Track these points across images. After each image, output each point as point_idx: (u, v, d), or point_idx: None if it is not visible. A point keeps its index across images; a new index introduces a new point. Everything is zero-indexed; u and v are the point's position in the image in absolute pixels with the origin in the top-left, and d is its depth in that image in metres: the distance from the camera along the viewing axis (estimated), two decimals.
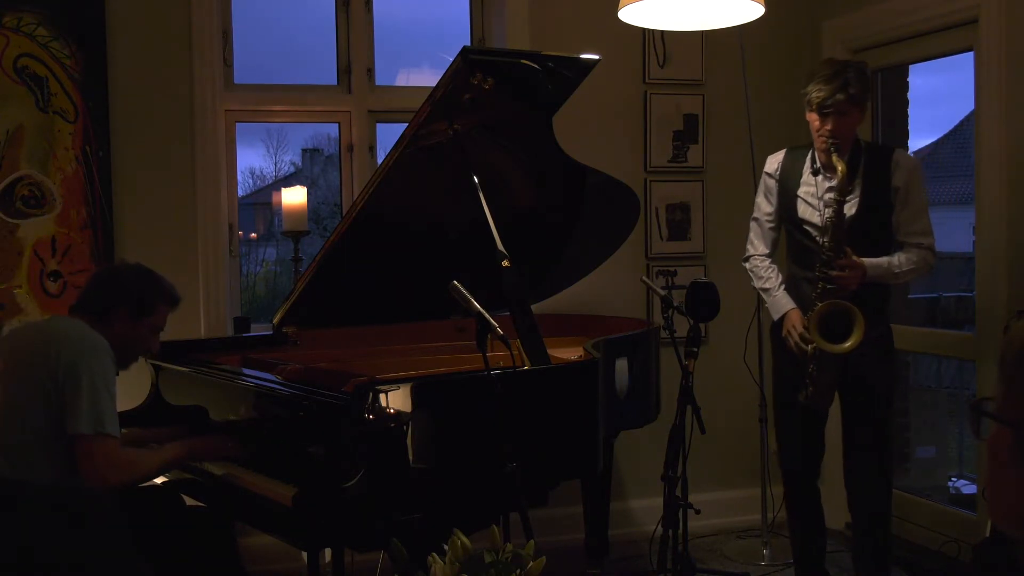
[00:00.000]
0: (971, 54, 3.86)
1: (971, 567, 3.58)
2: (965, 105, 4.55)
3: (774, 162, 3.54)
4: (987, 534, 3.49)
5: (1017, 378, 1.14)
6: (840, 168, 3.19)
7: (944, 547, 3.94)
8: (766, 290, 3.52)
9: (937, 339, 4.31)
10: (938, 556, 3.93)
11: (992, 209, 3.70)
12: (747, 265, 3.61)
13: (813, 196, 3.38)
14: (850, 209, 3.31)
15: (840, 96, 3.20)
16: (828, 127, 3.24)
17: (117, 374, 2.84)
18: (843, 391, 3.45)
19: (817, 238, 3.34)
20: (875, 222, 3.34)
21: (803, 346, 3.30)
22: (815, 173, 3.39)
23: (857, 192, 3.31)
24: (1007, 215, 3.65)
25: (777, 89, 4.62)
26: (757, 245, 3.58)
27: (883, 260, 3.31)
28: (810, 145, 3.43)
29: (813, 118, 3.29)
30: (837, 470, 4.12)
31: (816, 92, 3.25)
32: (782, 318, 3.43)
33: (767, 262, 3.55)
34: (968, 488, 4.42)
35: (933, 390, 4.99)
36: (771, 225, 3.56)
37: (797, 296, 3.42)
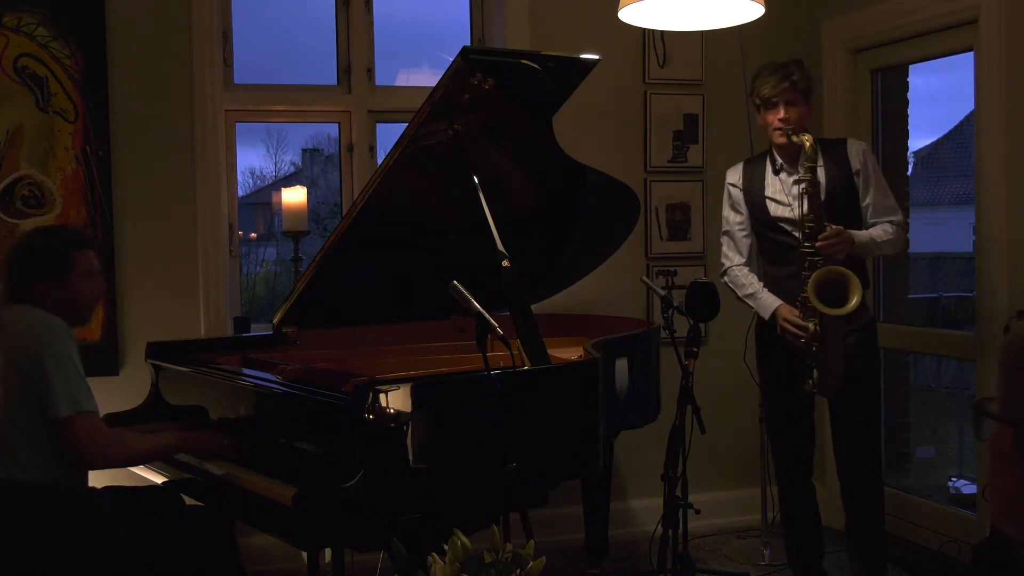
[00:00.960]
0: (971, 54, 3.86)
1: (971, 567, 3.58)
2: (965, 105, 4.55)
3: (735, 174, 3.61)
4: (987, 534, 3.49)
5: (1017, 379, 1.14)
6: (808, 140, 3.26)
7: (944, 547, 3.94)
8: (751, 295, 3.54)
9: (937, 339, 4.31)
10: (938, 556, 3.93)
11: (992, 209, 3.70)
12: (726, 279, 3.63)
13: (781, 193, 3.45)
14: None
15: (785, 84, 3.34)
16: (780, 115, 3.36)
17: (80, 327, 2.89)
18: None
19: (793, 232, 3.40)
20: (842, 208, 3.39)
21: (802, 333, 3.31)
22: (777, 172, 3.48)
23: (822, 182, 3.36)
24: (1007, 215, 3.65)
25: None
26: (732, 256, 3.61)
27: (862, 232, 3.38)
28: (765, 152, 3.54)
29: (766, 115, 3.42)
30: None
31: (762, 87, 3.39)
32: (772, 317, 3.44)
33: (745, 270, 3.59)
34: (968, 488, 4.42)
35: (933, 390, 4.99)
36: (744, 233, 3.60)
37: (780, 294, 3.45)
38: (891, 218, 3.44)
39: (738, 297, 3.60)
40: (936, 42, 4.07)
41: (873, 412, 3.56)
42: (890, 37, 4.19)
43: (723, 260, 3.64)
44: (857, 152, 3.45)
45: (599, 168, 3.49)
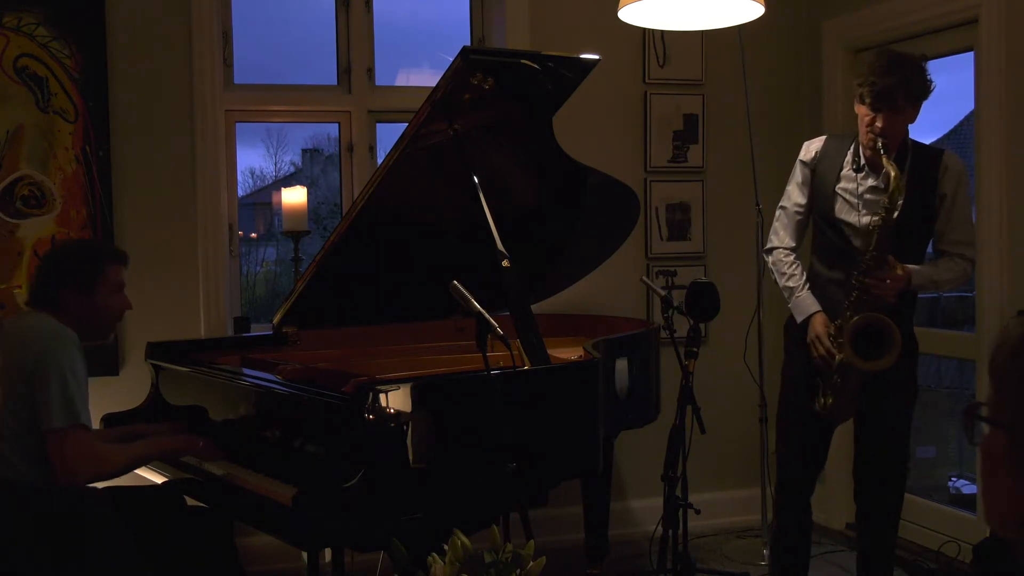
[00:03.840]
0: (971, 54, 3.86)
1: (971, 567, 3.58)
2: (965, 105, 4.54)
3: (811, 149, 3.28)
4: (987, 534, 3.49)
5: (1007, 379, 1.13)
6: (893, 173, 2.94)
7: (944, 547, 3.94)
8: (790, 288, 3.26)
9: (937, 339, 4.30)
10: (938, 556, 3.93)
11: (992, 209, 3.70)
12: (769, 258, 3.38)
13: (852, 194, 3.15)
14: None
15: (898, 92, 2.97)
16: (879, 124, 3.00)
17: (99, 343, 2.91)
18: (862, 395, 3.20)
19: (852, 240, 3.15)
20: (916, 229, 3.13)
21: (826, 355, 3.11)
22: (857, 169, 3.15)
23: (902, 197, 3.04)
24: (1007, 215, 3.65)
25: (777, 89, 4.62)
26: (783, 237, 3.33)
27: (926, 269, 3.11)
28: (853, 135, 3.20)
29: (863, 111, 3.06)
30: (837, 469, 4.12)
31: (870, 84, 2.99)
32: (805, 320, 3.20)
33: (791, 257, 3.30)
34: (968, 488, 4.42)
35: (933, 390, 4.98)
36: (800, 218, 3.31)
37: (821, 298, 3.20)
38: (961, 251, 3.13)
39: (775, 280, 3.34)
40: (936, 42, 4.07)
41: (904, 455, 3.28)
42: (890, 37, 4.19)
43: (772, 236, 3.36)
44: (951, 177, 3.09)
45: (599, 168, 3.49)
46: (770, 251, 3.37)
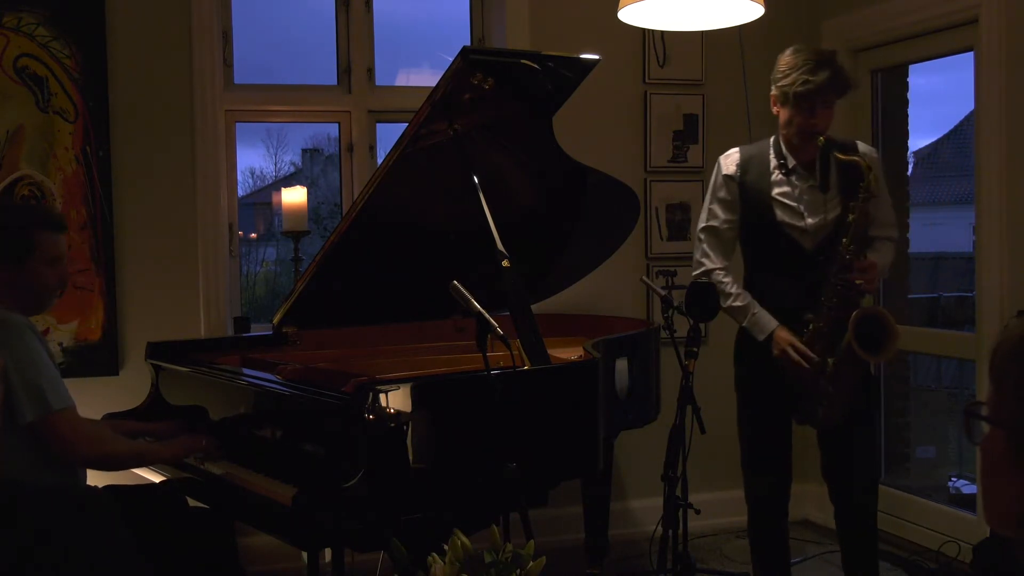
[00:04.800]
0: (971, 54, 3.86)
1: (971, 567, 3.58)
2: (965, 105, 4.55)
3: (731, 164, 3.23)
4: (987, 534, 3.49)
5: (1006, 378, 1.13)
6: (863, 164, 2.98)
7: (944, 547, 3.94)
8: (741, 308, 3.21)
9: (937, 339, 4.31)
10: (938, 556, 3.93)
11: (992, 209, 3.70)
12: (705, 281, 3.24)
13: (791, 198, 3.14)
14: (834, 210, 3.12)
15: (830, 86, 2.98)
16: (814, 120, 3.02)
17: (44, 310, 2.73)
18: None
19: (800, 242, 3.14)
20: (843, 219, 3.12)
21: (807, 364, 3.07)
22: (788, 173, 3.15)
23: (836, 192, 3.10)
24: (1007, 215, 3.65)
25: None
26: (715, 258, 3.25)
27: (877, 257, 3.15)
28: (765, 144, 3.22)
29: (792, 112, 3.05)
30: None
31: (802, 83, 2.98)
32: (767, 337, 3.17)
33: (730, 277, 3.26)
34: (968, 488, 4.42)
35: (933, 390, 4.99)
36: (731, 235, 3.27)
37: (773, 310, 3.17)
38: (889, 233, 3.19)
39: (719, 306, 3.14)
40: (936, 42, 4.07)
41: (873, 448, 3.29)
42: (890, 37, 4.19)
43: (702, 260, 3.27)
44: (871, 161, 3.11)
45: (599, 168, 3.49)
46: (706, 274, 3.25)
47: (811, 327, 3.11)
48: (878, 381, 3.37)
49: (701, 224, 3.32)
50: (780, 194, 3.17)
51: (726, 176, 3.25)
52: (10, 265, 2.65)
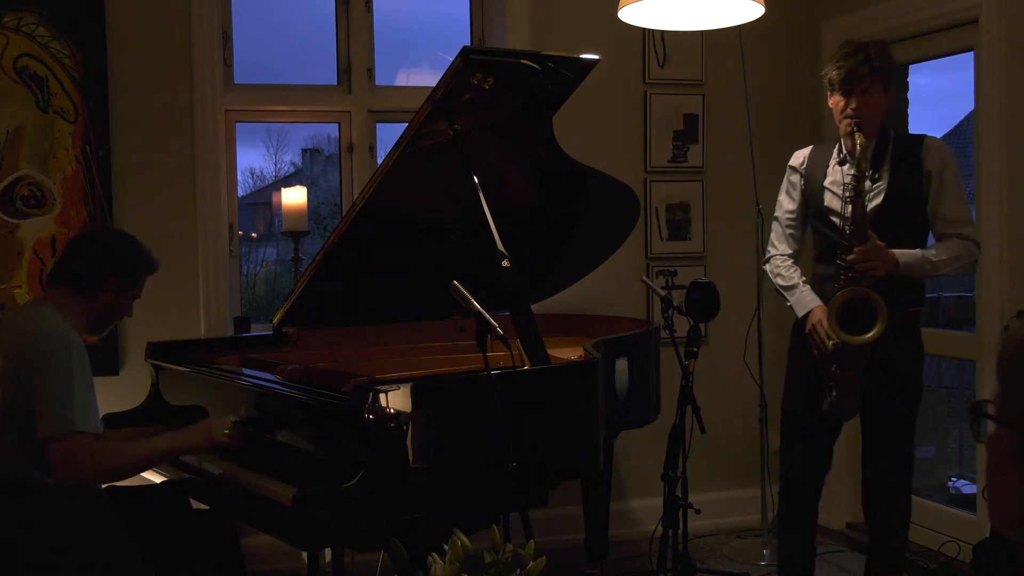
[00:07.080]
0: (971, 54, 3.86)
1: (971, 567, 3.58)
2: (965, 105, 4.54)
3: (800, 156, 3.38)
4: (987, 534, 3.49)
5: (1013, 378, 1.14)
6: (859, 141, 3.03)
7: (944, 547, 3.94)
8: (788, 287, 3.30)
9: (937, 339, 4.30)
10: (938, 556, 3.93)
11: (992, 209, 3.70)
12: (767, 267, 3.43)
13: (838, 185, 3.20)
14: (876, 198, 3.14)
15: (863, 69, 3.06)
16: (852, 105, 3.09)
17: (98, 336, 2.74)
18: (866, 394, 3.19)
19: (844, 229, 3.15)
20: (906, 213, 3.14)
21: (826, 344, 3.12)
22: (841, 163, 3.22)
23: (885, 180, 3.13)
24: (1007, 215, 3.65)
25: (777, 89, 4.62)
26: (778, 245, 3.39)
27: (916, 251, 3.11)
28: (836, 139, 3.29)
29: (835, 100, 3.16)
30: (837, 469, 4.12)
31: (835, 69, 3.11)
32: (806, 316, 3.22)
33: (789, 261, 3.35)
34: (968, 488, 4.42)
35: (933, 390, 4.98)
36: (792, 224, 3.37)
37: (821, 296, 3.21)
38: (958, 231, 3.12)
39: (775, 289, 3.37)
40: (936, 42, 4.07)
41: (906, 456, 3.27)
42: (890, 37, 4.18)
43: (769, 247, 3.43)
44: (934, 155, 3.13)
45: (599, 168, 3.49)
46: (768, 260, 3.44)
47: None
48: (919, 383, 3.31)
49: (774, 215, 3.47)
50: (830, 183, 3.25)
51: (791, 167, 3.40)
52: (102, 294, 2.73)
